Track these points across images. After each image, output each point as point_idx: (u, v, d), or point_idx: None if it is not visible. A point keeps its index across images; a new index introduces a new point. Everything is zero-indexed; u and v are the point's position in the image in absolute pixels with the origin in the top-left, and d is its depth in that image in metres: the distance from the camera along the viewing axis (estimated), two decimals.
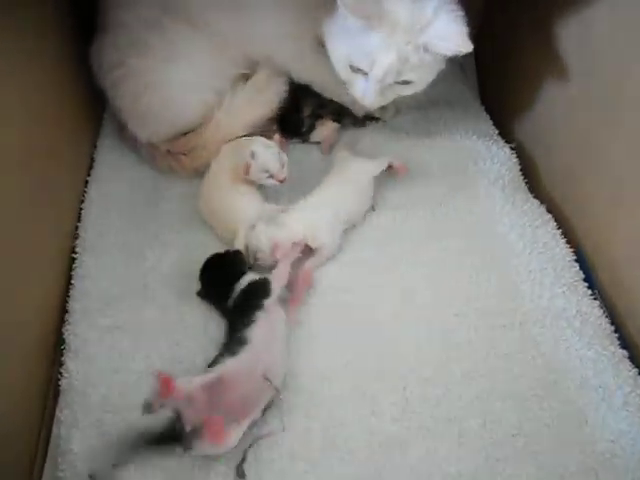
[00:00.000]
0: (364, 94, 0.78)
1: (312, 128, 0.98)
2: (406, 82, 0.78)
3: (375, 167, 0.88)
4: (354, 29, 0.74)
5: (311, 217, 0.82)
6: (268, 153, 0.83)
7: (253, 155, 0.83)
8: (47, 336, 0.75)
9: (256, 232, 0.78)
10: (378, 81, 0.75)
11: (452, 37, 0.72)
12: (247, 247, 0.78)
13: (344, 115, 1.00)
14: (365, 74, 0.77)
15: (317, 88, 0.96)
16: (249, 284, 0.74)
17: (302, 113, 0.97)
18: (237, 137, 0.92)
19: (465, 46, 0.72)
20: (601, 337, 0.73)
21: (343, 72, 0.80)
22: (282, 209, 0.84)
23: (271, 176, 0.84)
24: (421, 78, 0.79)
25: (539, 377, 0.70)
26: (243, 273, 0.75)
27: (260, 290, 0.73)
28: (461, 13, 0.73)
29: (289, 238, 0.78)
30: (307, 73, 0.93)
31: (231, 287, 0.74)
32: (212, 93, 0.92)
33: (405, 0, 0.71)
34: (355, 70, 0.78)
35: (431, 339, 0.74)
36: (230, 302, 0.73)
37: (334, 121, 0.99)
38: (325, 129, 0.98)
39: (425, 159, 0.96)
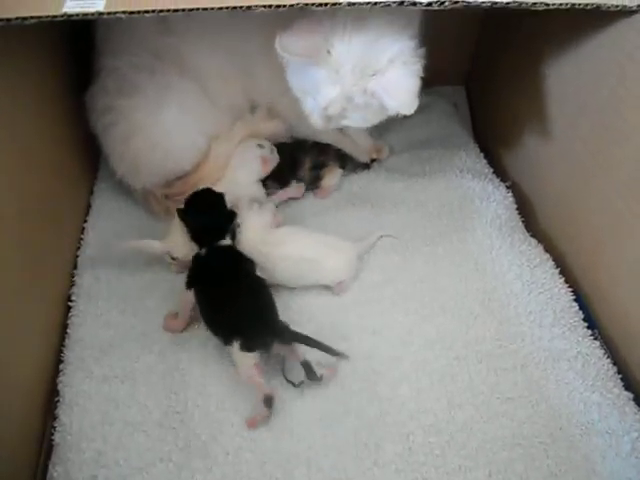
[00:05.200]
0: (311, 113, 0.78)
1: (318, 178, 0.98)
2: None
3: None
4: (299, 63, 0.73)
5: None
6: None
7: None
8: (41, 389, 0.73)
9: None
10: (322, 109, 0.74)
11: (398, 94, 0.69)
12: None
13: (347, 160, 1.01)
14: None
15: (317, 138, 0.98)
16: None
17: (300, 170, 0.98)
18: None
19: (408, 107, 0.68)
20: (604, 379, 0.71)
21: (298, 92, 0.79)
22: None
23: None
24: (366, 118, 0.77)
25: (544, 423, 0.68)
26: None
27: None
28: (418, 67, 0.69)
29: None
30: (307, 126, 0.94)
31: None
32: (204, 139, 0.92)
33: (356, 43, 0.68)
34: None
35: (432, 384, 0.73)
36: None
37: (339, 167, 1.00)
38: (332, 176, 0.99)
39: (420, 199, 0.96)
